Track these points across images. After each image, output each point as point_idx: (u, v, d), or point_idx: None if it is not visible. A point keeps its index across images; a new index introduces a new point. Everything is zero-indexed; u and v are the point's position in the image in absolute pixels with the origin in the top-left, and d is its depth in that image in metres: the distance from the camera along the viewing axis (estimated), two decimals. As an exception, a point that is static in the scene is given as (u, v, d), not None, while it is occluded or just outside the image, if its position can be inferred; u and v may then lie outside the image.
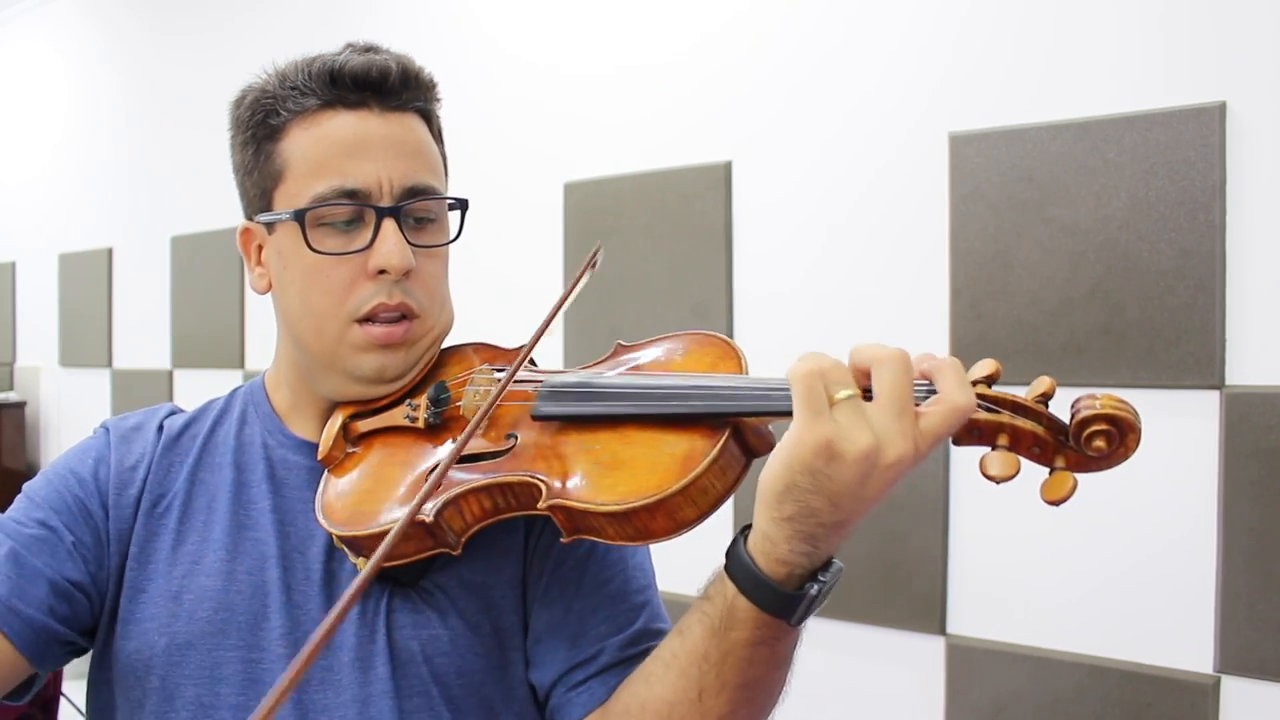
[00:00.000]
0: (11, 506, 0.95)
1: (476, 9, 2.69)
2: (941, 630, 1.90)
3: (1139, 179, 1.69)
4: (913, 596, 1.91)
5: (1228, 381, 1.63)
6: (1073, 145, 1.75)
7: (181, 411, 1.06)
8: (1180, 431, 1.65)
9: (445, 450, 0.92)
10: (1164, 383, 1.67)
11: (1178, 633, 1.66)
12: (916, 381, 0.74)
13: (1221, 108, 1.62)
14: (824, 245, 2.07)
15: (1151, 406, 1.66)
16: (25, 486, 0.97)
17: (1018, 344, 1.80)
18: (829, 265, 2.06)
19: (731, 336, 2.15)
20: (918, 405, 0.73)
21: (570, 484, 0.83)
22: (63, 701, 1.66)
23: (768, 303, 2.15)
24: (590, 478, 0.82)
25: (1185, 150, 1.65)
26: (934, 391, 0.74)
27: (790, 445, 0.73)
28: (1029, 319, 1.79)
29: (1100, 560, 1.73)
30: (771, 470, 0.75)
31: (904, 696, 1.95)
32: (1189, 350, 1.65)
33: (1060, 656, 1.77)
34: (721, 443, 0.79)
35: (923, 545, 1.90)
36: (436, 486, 0.77)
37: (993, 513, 1.84)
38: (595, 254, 0.99)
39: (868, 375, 0.74)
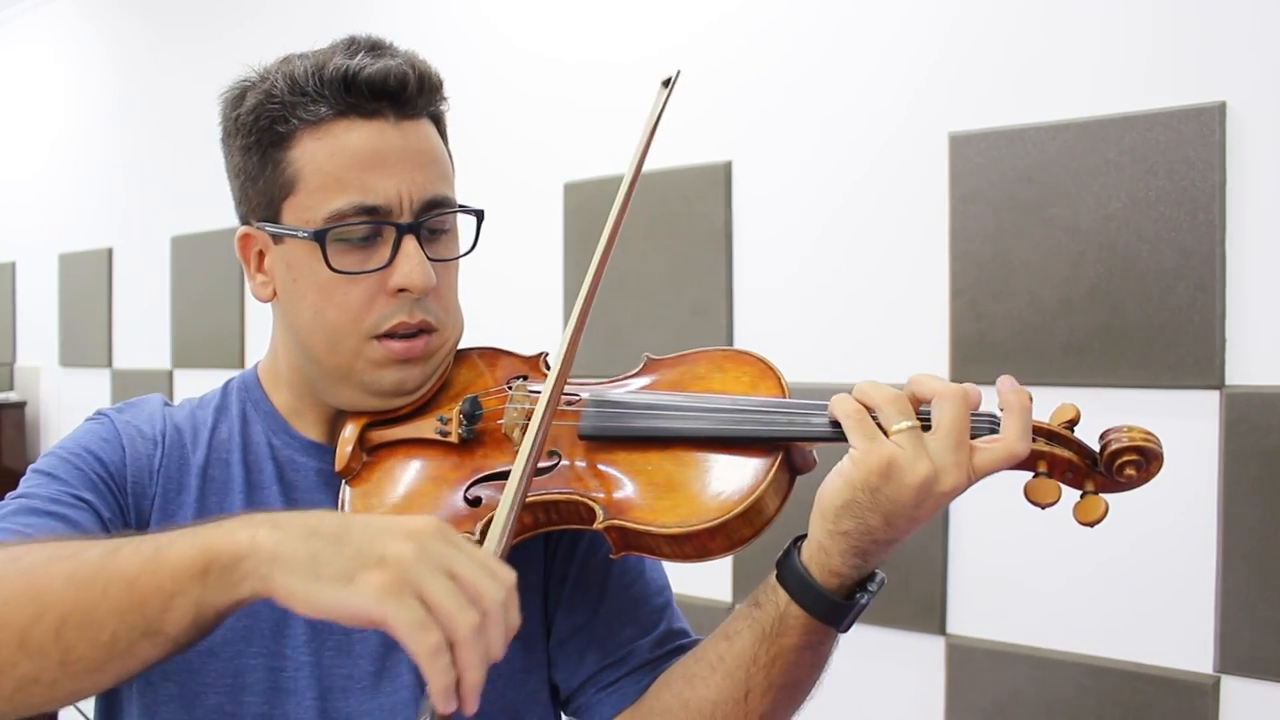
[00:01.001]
0: (29, 484, 0.89)
1: (479, 9, 2.69)
2: (941, 630, 1.90)
3: (1139, 179, 1.69)
4: (913, 596, 1.91)
5: (1228, 381, 1.63)
6: (1073, 145, 1.75)
7: (170, 404, 1.02)
8: (1180, 431, 1.65)
9: (479, 466, 0.92)
10: (1164, 383, 1.67)
11: (1178, 633, 1.66)
12: (974, 414, 0.79)
13: (1221, 108, 1.62)
14: (824, 245, 2.07)
15: (1151, 406, 1.68)
16: (37, 468, 0.91)
17: (1018, 344, 1.80)
18: (829, 265, 2.06)
19: (732, 336, 2.16)
20: (974, 439, 0.78)
21: (626, 505, 0.84)
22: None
23: (768, 302, 2.15)
24: (647, 499, 0.84)
25: (1185, 150, 1.65)
26: (993, 423, 0.79)
27: (852, 465, 0.78)
28: (1029, 319, 1.79)
29: (1100, 560, 1.73)
30: (832, 486, 0.79)
31: (904, 696, 1.95)
32: (1189, 350, 1.65)
33: (1060, 656, 1.77)
34: (777, 465, 0.83)
35: (923, 545, 1.90)
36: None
37: (993, 513, 1.84)
38: (675, 77, 0.95)
39: (922, 403, 0.79)
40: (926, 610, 1.91)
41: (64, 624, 0.66)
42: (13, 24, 4.54)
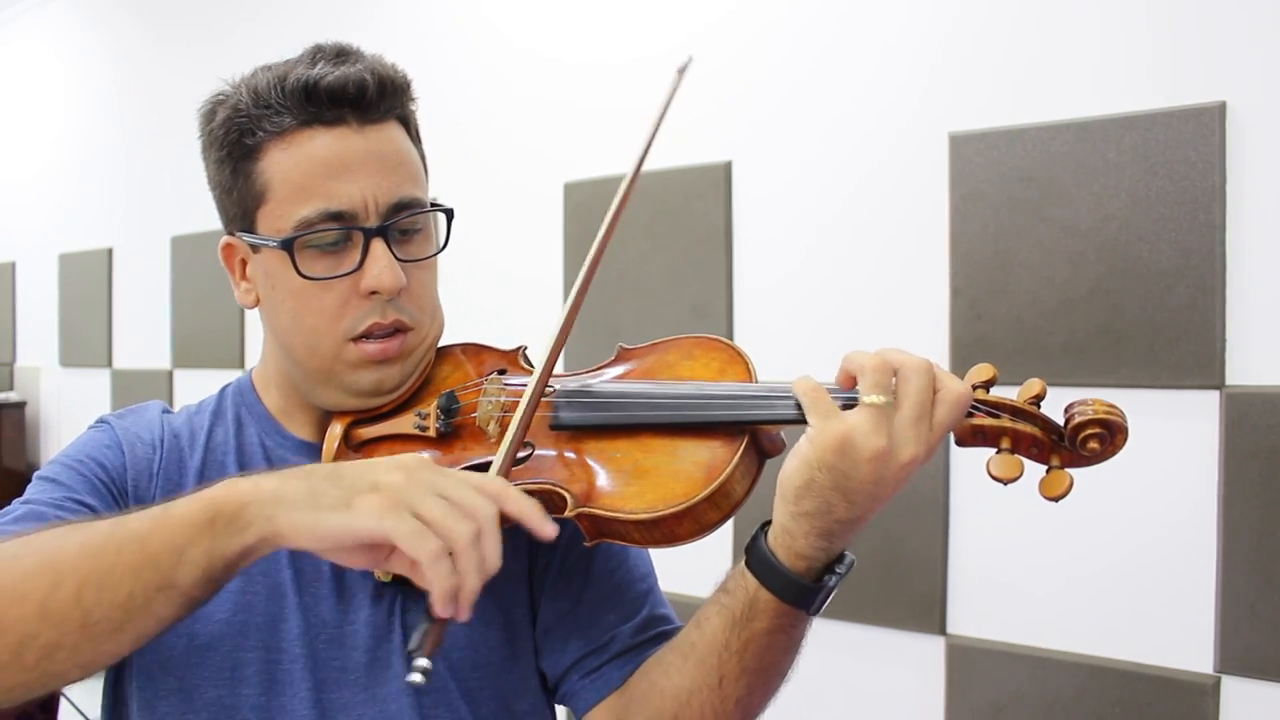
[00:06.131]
0: (34, 490, 0.92)
1: (478, 9, 2.69)
2: (941, 630, 1.90)
3: (1139, 179, 1.69)
4: (913, 596, 1.92)
5: (1228, 381, 1.63)
6: (1073, 145, 1.75)
7: (170, 410, 1.05)
8: (1180, 431, 1.65)
9: (457, 458, 0.93)
10: (1164, 383, 1.67)
11: (1178, 633, 1.66)
12: None
13: (1221, 108, 1.62)
14: (824, 245, 2.07)
15: (1151, 406, 1.68)
16: (42, 474, 0.94)
17: (1018, 344, 1.80)
18: (829, 265, 2.06)
19: (732, 336, 2.16)
20: None
21: (595, 492, 0.86)
22: (63, 701, 1.66)
23: (768, 303, 2.15)
24: (616, 486, 0.85)
25: (1185, 150, 1.65)
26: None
27: (808, 443, 0.78)
28: (1029, 319, 1.79)
29: (1100, 560, 1.73)
30: (791, 467, 0.80)
31: (904, 696, 1.95)
32: (1189, 350, 1.65)
33: (1060, 656, 1.77)
34: (742, 449, 0.83)
35: (923, 545, 1.90)
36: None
37: (993, 513, 1.84)
38: (687, 64, 0.94)
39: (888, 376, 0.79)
40: (926, 610, 1.91)
41: (82, 588, 0.69)
42: (13, 24, 4.54)
